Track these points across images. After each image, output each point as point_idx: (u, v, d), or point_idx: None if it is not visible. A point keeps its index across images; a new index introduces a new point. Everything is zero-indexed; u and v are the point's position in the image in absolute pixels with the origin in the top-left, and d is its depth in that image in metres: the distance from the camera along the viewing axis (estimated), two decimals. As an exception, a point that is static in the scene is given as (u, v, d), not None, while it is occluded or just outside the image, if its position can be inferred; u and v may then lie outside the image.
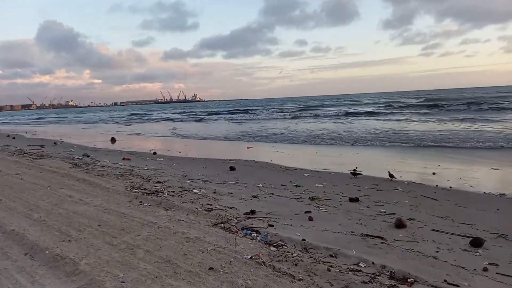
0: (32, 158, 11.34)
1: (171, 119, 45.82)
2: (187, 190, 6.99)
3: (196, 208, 5.64)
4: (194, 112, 62.77)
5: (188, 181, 8.02)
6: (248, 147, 15.91)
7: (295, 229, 4.82)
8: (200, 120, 40.91)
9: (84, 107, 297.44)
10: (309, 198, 6.59)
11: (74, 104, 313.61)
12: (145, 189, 7.00)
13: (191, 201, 6.14)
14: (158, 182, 7.79)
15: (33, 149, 14.93)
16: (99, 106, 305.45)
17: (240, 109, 60.50)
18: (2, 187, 7.21)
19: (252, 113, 48.48)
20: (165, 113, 64.45)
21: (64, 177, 8.09)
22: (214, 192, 6.90)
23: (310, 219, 5.31)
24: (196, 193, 6.72)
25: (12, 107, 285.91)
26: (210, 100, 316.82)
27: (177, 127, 32.38)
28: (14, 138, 22.65)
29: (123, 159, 11.80)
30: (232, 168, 9.84)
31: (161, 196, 6.37)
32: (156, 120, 47.30)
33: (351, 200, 6.49)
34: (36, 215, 5.32)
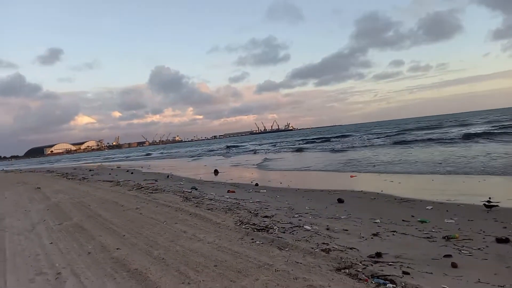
0: (149, 192, 12.22)
1: (266, 150, 46.66)
2: (297, 226, 6.55)
3: (312, 248, 5.14)
4: (288, 141, 63.29)
5: (296, 216, 7.60)
6: (351, 176, 14.98)
7: (438, 279, 3.98)
8: (297, 150, 40.75)
9: (188, 141, 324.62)
10: (443, 238, 5.58)
11: (180, 139, 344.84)
12: (254, 224, 6.78)
13: (304, 239, 5.67)
14: (266, 216, 7.52)
15: (149, 183, 16.25)
16: (201, 140, 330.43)
17: (333, 136, 58.90)
18: (125, 222, 7.71)
19: (347, 139, 46.89)
20: (260, 144, 66.28)
21: (177, 212, 8.37)
22: (328, 229, 6.33)
23: (454, 265, 4.37)
24: (308, 230, 6.23)
25: (129, 145, 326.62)
26: (303, 128, 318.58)
27: (272, 157, 32.68)
28: (132, 173, 25.26)
29: (228, 191, 11.98)
30: (340, 200, 9.16)
31: (272, 233, 6.04)
32: (252, 151, 48.69)
33: (499, 240, 5.30)
34: (155, 252, 5.42)
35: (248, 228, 6.44)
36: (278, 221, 7.01)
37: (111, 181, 18.15)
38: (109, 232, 6.99)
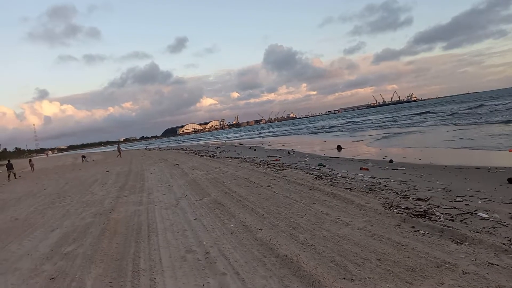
0: (276, 169, 12.06)
1: (385, 125, 43.05)
2: (467, 212, 5.30)
3: (504, 244, 3.96)
4: (409, 114, 57.41)
5: (459, 199, 6.26)
6: (510, 150, 12.29)
7: None
8: (419, 123, 36.34)
9: (303, 117, 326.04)
10: None
11: (295, 116, 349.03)
12: (407, 208, 5.78)
13: (485, 231, 4.46)
14: (419, 199, 6.39)
15: (273, 159, 16.26)
16: (315, 115, 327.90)
17: (471, 105, 50.66)
18: (260, 200, 7.52)
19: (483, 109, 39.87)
20: (382, 118, 61.79)
21: (312, 191, 7.85)
22: (513, 218, 4.94)
23: None
24: (485, 219, 4.96)
25: (247, 123, 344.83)
26: (428, 99, 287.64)
27: (397, 131, 29.82)
28: (255, 150, 26.04)
29: (361, 169, 10.99)
30: (511, 180, 7.34)
31: (436, 221, 4.98)
32: (372, 125, 45.53)
33: None
34: (301, 236, 4.95)
35: (402, 213, 5.48)
36: (438, 206, 5.84)
37: (238, 158, 18.84)
38: (247, 210, 6.85)
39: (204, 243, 5.20)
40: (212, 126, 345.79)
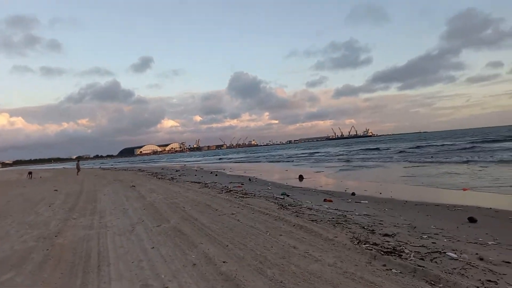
0: (239, 196, 11.71)
1: (346, 157, 44.39)
2: (436, 251, 5.26)
3: (477, 287, 3.87)
4: (368, 148, 59.85)
5: (425, 237, 6.27)
6: (464, 189, 12.86)
7: None
8: (385, 160, 37.79)
9: (264, 145, 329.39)
10: None
11: (256, 143, 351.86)
12: (375, 244, 5.65)
13: (457, 272, 4.39)
14: (386, 235, 6.32)
15: (236, 186, 15.89)
16: (276, 144, 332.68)
17: (420, 145, 53.50)
18: (224, 229, 7.12)
19: (436, 148, 42.38)
20: (341, 151, 63.75)
21: (277, 221, 7.57)
22: (481, 259, 4.93)
23: None
24: (454, 258, 4.92)
25: (209, 147, 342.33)
26: (383, 135, 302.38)
27: (356, 164, 30.69)
28: (216, 175, 25.50)
29: (325, 200, 10.93)
30: (472, 220, 7.53)
31: (407, 259, 4.86)
32: (332, 157, 46.69)
33: None
34: (269, 271, 4.62)
35: (371, 249, 5.34)
36: (406, 243, 5.78)
37: (198, 183, 18.27)
38: (210, 239, 6.42)
39: (162, 276, 4.71)
40: (172, 148, 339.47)
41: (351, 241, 5.88)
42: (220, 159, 75.56)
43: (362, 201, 10.68)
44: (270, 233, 6.57)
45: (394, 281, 4.12)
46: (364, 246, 5.54)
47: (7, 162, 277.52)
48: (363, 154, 45.99)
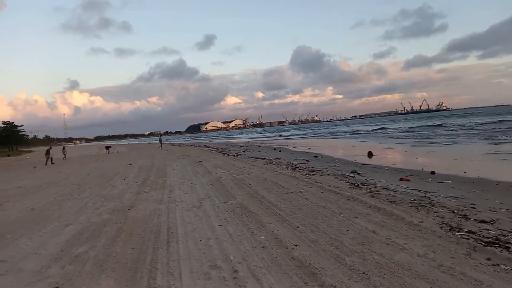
0: (306, 174, 11.22)
1: (419, 135, 41.23)
2: (555, 245, 4.32)
3: None
4: (438, 124, 55.03)
5: (534, 225, 5.26)
6: None
7: None
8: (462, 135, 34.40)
9: (327, 121, 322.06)
10: None
11: (319, 119, 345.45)
12: (471, 232, 4.84)
13: None
14: (483, 221, 5.43)
15: (301, 163, 15.40)
16: (340, 119, 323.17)
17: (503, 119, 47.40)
18: (293, 209, 6.71)
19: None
20: (411, 126, 59.59)
21: (351, 201, 6.97)
22: None
23: None
24: None
25: (271, 124, 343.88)
26: (459, 109, 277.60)
27: (430, 141, 28.24)
28: (280, 151, 25.16)
29: (401, 179, 9.99)
30: None
31: (518, 253, 4.04)
32: (401, 135, 43.74)
33: None
34: (347, 259, 4.12)
35: (467, 238, 4.56)
36: (511, 231, 4.87)
37: (263, 159, 18.09)
38: (279, 219, 6.06)
39: (231, 257, 4.45)
40: (236, 124, 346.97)
41: (441, 227, 5.11)
42: (280, 135, 75.22)
43: (445, 181, 9.56)
44: (344, 215, 6.02)
45: (506, 280, 3.39)
46: (458, 234, 4.76)
47: (90, 137, 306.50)
48: (436, 130, 42.39)
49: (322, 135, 58.01)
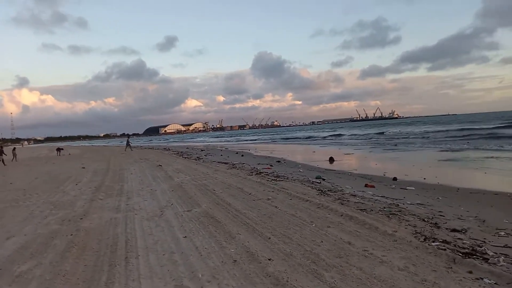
0: (271, 179, 10.95)
1: (372, 139, 42.76)
2: (528, 255, 4.32)
3: None
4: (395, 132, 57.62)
5: (502, 233, 5.30)
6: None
7: None
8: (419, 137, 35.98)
9: (287, 126, 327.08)
10: None
11: (278, 124, 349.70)
12: (446, 242, 4.77)
13: None
14: (455, 230, 5.41)
15: (265, 168, 15.15)
16: (299, 125, 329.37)
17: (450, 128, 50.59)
18: (262, 217, 6.38)
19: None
20: (366, 133, 61.79)
21: (321, 209, 6.76)
22: None
23: None
24: (555, 266, 3.97)
25: (231, 127, 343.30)
26: (409, 117, 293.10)
27: (386, 147, 29.26)
28: (242, 155, 24.82)
29: (366, 185, 10.00)
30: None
31: (496, 265, 3.96)
32: (357, 138, 45.12)
33: None
34: (326, 274, 3.83)
35: (444, 249, 4.45)
36: (483, 241, 4.86)
37: (226, 163, 17.65)
38: (248, 229, 5.69)
39: (200, 275, 4.01)
40: (196, 128, 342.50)
41: (415, 236, 5.00)
42: (242, 139, 75.02)
43: (408, 188, 9.69)
44: (316, 224, 5.77)
45: (493, 297, 3.25)
46: (434, 244, 4.66)
47: (39, 138, 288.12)
48: (392, 137, 44.18)
49: (283, 140, 58.47)
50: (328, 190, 8.84)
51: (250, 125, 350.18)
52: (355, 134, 58.14)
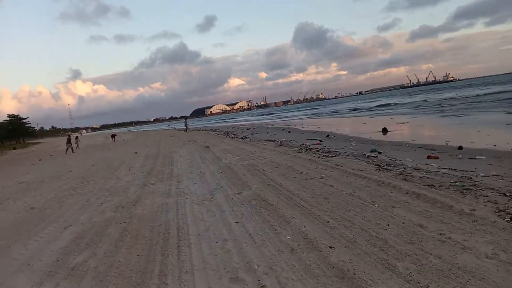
0: (323, 156, 10.40)
1: (431, 107, 39.92)
2: None
3: None
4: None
5: None
6: None
7: None
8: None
9: (332, 98, 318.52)
10: None
11: (324, 97, 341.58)
12: (539, 221, 4.03)
13: None
14: (547, 206, 4.60)
15: (314, 143, 14.57)
16: (346, 96, 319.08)
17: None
18: (317, 198, 5.93)
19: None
20: (420, 99, 58.02)
21: (382, 187, 6.16)
22: None
23: None
24: None
25: (276, 104, 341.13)
26: (466, 79, 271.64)
27: (445, 114, 27.09)
28: (289, 132, 24.25)
29: (429, 157, 9.14)
30: None
31: None
32: (412, 107, 42.43)
33: None
34: (400, 265, 3.34)
35: (540, 231, 3.75)
36: None
37: (273, 141, 17.27)
38: (303, 212, 5.30)
39: (255, 266, 3.70)
40: (240, 106, 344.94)
41: (499, 215, 4.31)
42: (287, 116, 74.01)
43: (477, 157, 8.69)
44: (379, 205, 5.22)
45: None
46: (525, 225, 3.95)
47: (95, 126, 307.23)
48: (448, 101, 41.01)
49: (330, 113, 56.75)
50: (386, 165, 8.15)
51: (295, 100, 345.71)
52: (407, 102, 54.94)
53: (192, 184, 8.61)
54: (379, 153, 10.40)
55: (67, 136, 29.64)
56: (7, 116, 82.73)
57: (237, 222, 5.25)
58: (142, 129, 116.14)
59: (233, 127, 41.71)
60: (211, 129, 41.86)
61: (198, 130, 45.79)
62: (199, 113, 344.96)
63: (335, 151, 11.28)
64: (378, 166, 7.95)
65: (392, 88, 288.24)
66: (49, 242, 5.41)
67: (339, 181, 6.97)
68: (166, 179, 9.76)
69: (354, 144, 13.43)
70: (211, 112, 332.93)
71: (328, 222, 4.73)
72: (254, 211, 5.69)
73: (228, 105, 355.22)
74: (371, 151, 10.79)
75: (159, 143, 25.54)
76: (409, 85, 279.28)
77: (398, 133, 17.59)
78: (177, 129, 62.81)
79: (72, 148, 27.48)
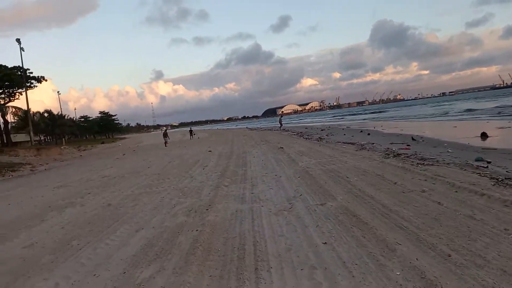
0: (417, 163, 8.98)
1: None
2: None
3: None
4: None
5: None
6: None
7: None
8: None
9: (411, 99, 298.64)
10: None
11: (402, 98, 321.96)
12: None
13: None
14: None
15: (402, 148, 13.00)
16: (427, 97, 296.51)
17: None
18: (424, 219, 4.78)
19: None
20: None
21: (510, 209, 4.79)
22: None
23: None
24: None
25: (349, 104, 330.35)
26: None
27: None
28: (368, 134, 22.48)
29: (561, 171, 7.28)
30: None
31: None
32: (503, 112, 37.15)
33: None
34: None
35: None
36: None
37: (352, 144, 15.95)
38: (409, 237, 4.22)
39: (358, 314, 2.79)
40: (312, 107, 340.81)
41: None
42: (361, 117, 70.46)
43: None
44: (517, 234, 3.94)
45: None
46: None
47: (174, 124, 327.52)
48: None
49: (408, 115, 52.51)
50: (505, 178, 6.59)
51: (370, 101, 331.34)
52: (503, 105, 48.48)
53: (268, 189, 7.90)
54: (489, 162, 8.67)
55: (163, 131, 31.47)
56: (99, 113, 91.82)
57: (325, 243, 4.35)
58: (216, 128, 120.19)
59: (306, 128, 40.59)
60: (283, 129, 41.19)
61: (270, 129, 45.48)
62: (271, 113, 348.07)
63: (431, 158, 9.74)
64: (496, 180, 6.44)
65: (482, 89, 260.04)
66: (119, 248, 5.07)
67: (448, 197, 5.68)
68: (239, 181, 9.21)
69: (451, 151, 11.62)
70: (282, 112, 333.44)
71: (449, 255, 3.61)
72: (344, 229, 4.75)
73: (299, 105, 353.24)
74: (477, 160, 9.07)
75: (232, 142, 25.55)
76: (502, 86, 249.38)
77: (501, 138, 15.14)
78: (249, 128, 63.40)
79: (166, 142, 29.70)
